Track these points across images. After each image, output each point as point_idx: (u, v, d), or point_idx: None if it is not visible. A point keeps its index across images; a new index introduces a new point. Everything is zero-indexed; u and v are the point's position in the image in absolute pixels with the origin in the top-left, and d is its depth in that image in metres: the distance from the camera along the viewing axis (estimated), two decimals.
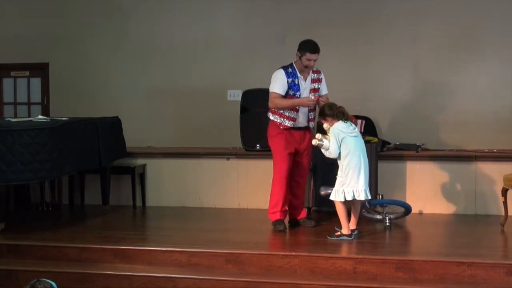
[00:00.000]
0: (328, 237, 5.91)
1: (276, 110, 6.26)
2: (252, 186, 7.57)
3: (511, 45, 7.85)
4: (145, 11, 8.77)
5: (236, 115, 7.88)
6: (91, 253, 5.77)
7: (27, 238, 6.13)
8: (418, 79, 8.08)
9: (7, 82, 9.26)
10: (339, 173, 5.88)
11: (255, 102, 7.73)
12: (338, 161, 5.91)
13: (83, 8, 8.89)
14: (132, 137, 8.06)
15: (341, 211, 5.86)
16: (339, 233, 5.90)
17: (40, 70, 9.06)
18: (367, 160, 5.93)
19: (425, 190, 7.22)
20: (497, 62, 7.89)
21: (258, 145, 7.69)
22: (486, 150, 7.48)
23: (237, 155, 7.75)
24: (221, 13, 8.58)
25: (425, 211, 7.19)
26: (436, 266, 5.14)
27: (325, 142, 5.85)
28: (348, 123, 5.87)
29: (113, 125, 7.61)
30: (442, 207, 7.19)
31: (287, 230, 6.32)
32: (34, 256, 5.82)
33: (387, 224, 6.31)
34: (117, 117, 7.79)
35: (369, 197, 5.89)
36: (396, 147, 7.67)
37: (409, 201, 7.08)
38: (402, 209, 6.57)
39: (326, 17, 8.24)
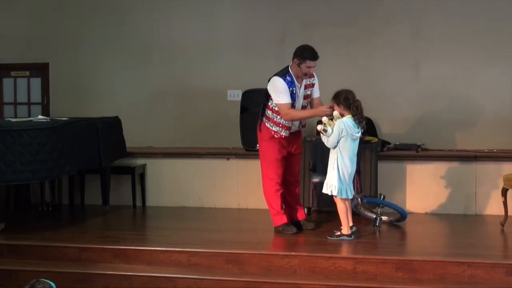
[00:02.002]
0: (328, 237, 5.90)
1: (273, 119, 6.12)
2: (252, 186, 7.55)
3: (511, 43, 7.85)
4: (145, 11, 8.77)
5: (236, 115, 7.87)
6: (91, 253, 5.77)
7: (27, 238, 6.13)
8: (418, 79, 8.08)
9: (7, 82, 9.26)
10: (330, 165, 5.84)
11: (255, 102, 7.69)
12: (331, 154, 5.86)
13: (83, 8, 8.89)
14: (132, 137, 8.06)
15: (341, 210, 5.85)
16: (339, 233, 5.90)
17: (40, 70, 9.06)
18: (355, 160, 5.90)
19: (425, 190, 7.22)
20: (497, 61, 7.88)
21: (258, 145, 7.68)
22: (486, 150, 7.48)
23: (237, 155, 7.74)
24: (221, 13, 8.58)
25: (425, 211, 7.18)
26: (436, 266, 5.15)
27: (329, 130, 5.76)
28: (357, 125, 5.78)
29: (113, 125, 7.61)
30: (442, 207, 7.18)
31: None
32: (34, 256, 5.82)
33: (376, 224, 6.28)
34: (117, 117, 7.79)
35: (347, 196, 5.82)
36: (396, 147, 7.67)
37: (409, 201, 7.09)
38: (397, 215, 6.55)
39: (326, 16, 8.25)
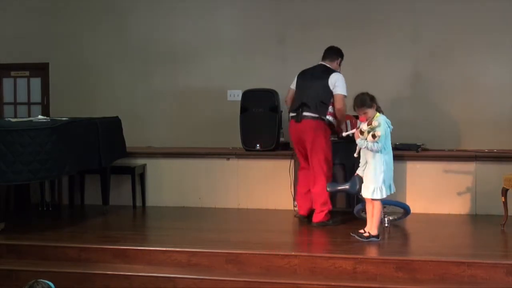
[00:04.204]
0: (358, 238, 5.81)
1: (334, 113, 6.46)
2: (252, 186, 7.57)
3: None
4: (145, 11, 8.78)
5: (236, 115, 7.87)
6: (91, 253, 5.77)
7: (27, 238, 6.13)
8: (418, 79, 8.08)
9: (7, 82, 9.26)
10: (377, 168, 5.76)
11: (255, 102, 7.74)
12: (372, 157, 5.78)
13: (83, 8, 8.90)
14: (132, 137, 8.06)
15: (379, 211, 5.81)
16: (367, 234, 5.82)
17: (40, 70, 9.06)
18: None
19: (425, 190, 7.22)
20: (497, 61, 7.88)
21: (258, 145, 7.69)
22: (486, 150, 7.47)
23: (237, 155, 7.74)
24: (221, 13, 8.59)
25: (425, 211, 7.18)
26: (436, 266, 5.15)
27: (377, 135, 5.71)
28: None
29: (113, 125, 7.61)
30: (442, 207, 7.18)
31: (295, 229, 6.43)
32: (34, 256, 5.82)
33: (386, 225, 6.30)
34: (117, 117, 7.78)
35: (391, 192, 5.85)
36: (396, 147, 7.64)
37: (409, 201, 7.08)
38: (401, 211, 6.57)
39: (326, 17, 8.25)
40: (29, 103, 9.22)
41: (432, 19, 8.01)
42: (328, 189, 6.30)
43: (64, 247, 5.87)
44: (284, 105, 7.70)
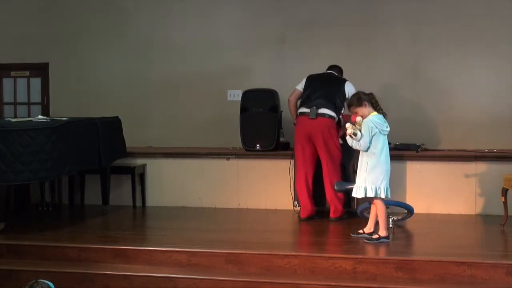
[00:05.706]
0: (366, 241, 5.80)
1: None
2: (252, 186, 7.57)
3: (511, 44, 7.85)
4: (145, 11, 8.77)
5: (236, 115, 7.87)
6: (91, 253, 5.77)
7: (27, 238, 6.13)
8: (417, 79, 8.08)
9: (7, 82, 9.26)
10: (362, 166, 5.80)
11: (255, 102, 7.74)
12: (362, 157, 5.83)
13: (83, 8, 8.89)
14: (132, 137, 8.06)
15: (383, 212, 5.79)
16: (377, 236, 5.80)
17: (40, 70, 9.06)
18: (389, 159, 5.92)
19: (425, 190, 7.21)
20: (497, 61, 7.88)
21: (258, 145, 7.69)
22: (486, 150, 7.47)
23: (237, 155, 7.74)
24: (221, 13, 8.58)
25: (425, 211, 7.18)
26: (436, 266, 5.15)
27: (358, 133, 5.73)
28: (382, 117, 5.82)
29: (113, 125, 7.61)
30: (442, 207, 7.18)
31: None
32: (34, 256, 5.82)
33: (390, 225, 6.29)
34: (117, 117, 7.78)
35: (388, 195, 5.83)
36: (396, 147, 7.65)
37: (409, 201, 7.08)
38: (404, 211, 6.57)
39: (326, 17, 8.24)
40: (29, 103, 9.22)
41: (432, 19, 8.01)
42: (336, 187, 6.36)
43: (64, 247, 5.87)
44: (285, 105, 7.72)
